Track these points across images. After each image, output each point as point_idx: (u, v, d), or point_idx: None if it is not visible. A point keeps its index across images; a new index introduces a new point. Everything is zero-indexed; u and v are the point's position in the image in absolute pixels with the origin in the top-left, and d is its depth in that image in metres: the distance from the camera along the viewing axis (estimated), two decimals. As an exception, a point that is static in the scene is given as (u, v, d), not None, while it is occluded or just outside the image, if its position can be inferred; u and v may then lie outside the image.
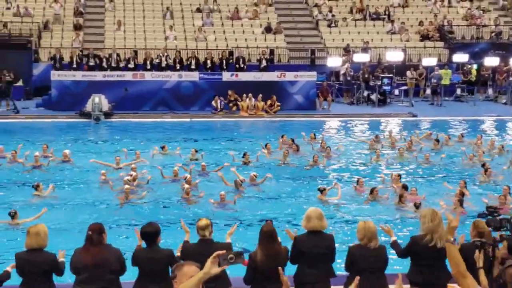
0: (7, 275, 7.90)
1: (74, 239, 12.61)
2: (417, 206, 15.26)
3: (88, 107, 28.85)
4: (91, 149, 22.75)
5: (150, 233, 7.85)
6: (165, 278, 7.60)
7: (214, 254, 4.62)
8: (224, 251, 4.64)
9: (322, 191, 16.46)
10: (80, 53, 32.70)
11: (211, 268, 4.61)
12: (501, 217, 7.56)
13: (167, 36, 36.32)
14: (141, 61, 32.67)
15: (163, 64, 32.26)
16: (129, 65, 31.98)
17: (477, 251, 7.07)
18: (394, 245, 8.65)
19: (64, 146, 22.27)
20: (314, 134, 24.37)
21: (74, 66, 31.76)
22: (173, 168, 18.82)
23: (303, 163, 20.73)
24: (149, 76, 31.36)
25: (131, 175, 17.41)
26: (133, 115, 29.77)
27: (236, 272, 8.03)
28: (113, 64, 31.93)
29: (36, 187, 16.40)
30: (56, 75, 30.79)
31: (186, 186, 16.50)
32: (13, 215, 13.96)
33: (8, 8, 36.96)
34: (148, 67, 32.10)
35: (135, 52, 33.34)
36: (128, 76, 31.20)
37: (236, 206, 15.99)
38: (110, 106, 29.41)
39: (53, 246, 8.29)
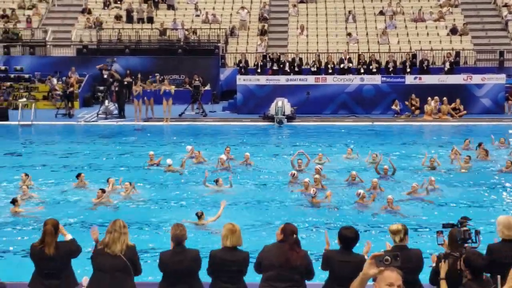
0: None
1: (258, 237, 12.90)
2: None
3: (271, 110, 29.36)
4: (274, 152, 23.08)
5: (350, 238, 7.65)
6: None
7: (371, 255, 4.49)
8: (381, 253, 4.48)
9: None
10: (264, 58, 33.39)
11: (369, 269, 4.53)
12: (464, 228, 7.29)
13: (349, 39, 36.16)
14: (323, 65, 32.79)
15: (345, 68, 32.16)
16: (312, 69, 32.20)
17: (442, 261, 6.99)
18: None
19: (247, 148, 22.73)
20: (504, 139, 23.17)
21: (258, 70, 32.49)
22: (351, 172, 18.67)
23: (490, 169, 19.73)
24: (330, 79, 31.38)
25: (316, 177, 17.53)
26: (315, 118, 29.90)
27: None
28: (296, 69, 32.30)
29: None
30: (241, 80, 31.68)
31: (362, 191, 16.25)
32: (199, 216, 14.34)
33: (198, 16, 38.58)
34: (330, 70, 32.14)
35: (318, 56, 33.51)
36: (310, 80, 31.43)
37: (405, 211, 15.50)
38: (292, 109, 29.74)
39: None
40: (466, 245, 7.32)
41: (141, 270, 8.04)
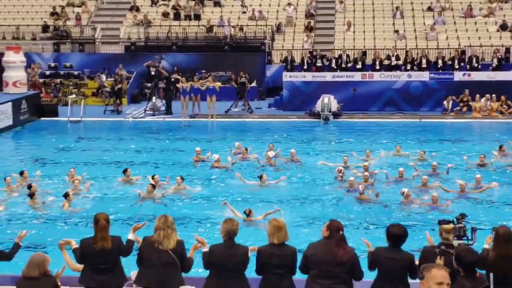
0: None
1: (304, 234, 12.91)
2: None
3: (318, 107, 29.28)
4: (320, 149, 23.06)
5: (398, 235, 7.57)
6: (404, 281, 7.38)
7: None
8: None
9: None
10: (310, 54, 33.29)
11: None
12: (459, 225, 7.38)
13: (396, 35, 35.83)
14: (370, 61, 32.57)
15: (393, 64, 31.90)
16: (358, 66, 32.01)
17: (438, 257, 6.97)
18: None
19: (292, 145, 22.69)
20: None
21: (305, 67, 32.42)
22: (398, 168, 18.63)
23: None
24: (377, 76, 31.16)
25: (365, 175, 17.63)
26: (361, 115, 29.72)
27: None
28: (342, 65, 32.13)
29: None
30: (287, 76, 31.66)
31: (406, 190, 16.21)
32: (248, 214, 14.49)
33: (244, 12, 38.64)
34: (377, 67, 31.90)
35: (364, 52, 33.29)
36: (356, 76, 31.25)
37: (450, 209, 15.32)
38: (338, 106, 29.62)
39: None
40: (460, 242, 7.34)
41: (191, 266, 8.05)
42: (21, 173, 18.07)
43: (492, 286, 6.64)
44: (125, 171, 18.20)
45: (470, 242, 7.37)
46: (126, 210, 15.66)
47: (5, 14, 39.06)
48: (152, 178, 17.43)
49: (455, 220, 7.60)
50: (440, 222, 7.80)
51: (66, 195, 15.88)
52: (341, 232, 7.56)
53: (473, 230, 7.44)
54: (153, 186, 16.58)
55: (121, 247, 8.12)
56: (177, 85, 30.36)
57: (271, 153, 20.28)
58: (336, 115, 29.15)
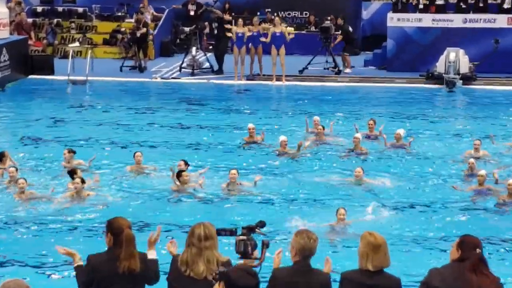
0: None
1: (414, 256, 12.76)
2: None
3: (439, 67, 28.96)
4: (441, 128, 23.00)
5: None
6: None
7: None
8: None
9: None
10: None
11: None
12: (240, 238, 7.75)
13: None
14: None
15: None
16: (506, 5, 31.37)
17: (217, 284, 7.05)
18: None
19: (401, 123, 22.53)
20: None
21: (421, 6, 31.84)
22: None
23: None
24: (532, 21, 30.73)
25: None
26: (505, 80, 29.38)
27: None
28: (479, 4, 31.46)
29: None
30: (394, 20, 31.32)
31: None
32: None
33: None
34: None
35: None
36: (500, 21, 30.76)
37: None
38: (471, 66, 29.21)
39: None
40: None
41: None
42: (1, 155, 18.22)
43: None
44: (134, 156, 18.30)
45: (256, 263, 7.59)
46: (141, 212, 15.67)
47: None
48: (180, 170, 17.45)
49: (236, 230, 7.81)
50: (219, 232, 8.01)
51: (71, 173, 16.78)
52: (478, 251, 7.45)
53: (263, 244, 7.64)
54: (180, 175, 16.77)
55: (149, 268, 8.19)
56: (228, 33, 30.11)
57: (358, 135, 20.02)
58: (467, 79, 28.84)
